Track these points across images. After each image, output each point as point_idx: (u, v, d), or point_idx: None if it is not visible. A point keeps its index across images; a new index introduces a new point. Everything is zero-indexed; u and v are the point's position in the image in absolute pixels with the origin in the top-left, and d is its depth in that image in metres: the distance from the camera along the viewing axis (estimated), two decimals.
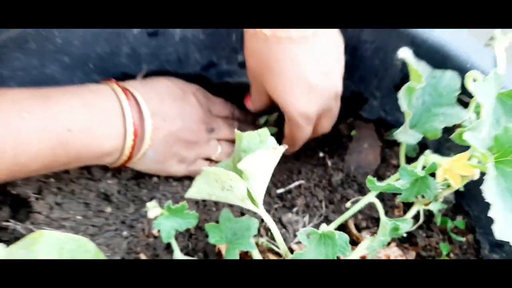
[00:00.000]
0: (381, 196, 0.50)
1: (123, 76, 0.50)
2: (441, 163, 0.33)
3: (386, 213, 0.47)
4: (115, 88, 0.44)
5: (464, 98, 0.43)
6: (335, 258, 0.36)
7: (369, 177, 0.36)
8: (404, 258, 0.46)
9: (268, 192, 0.50)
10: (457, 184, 0.33)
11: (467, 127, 0.32)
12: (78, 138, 0.40)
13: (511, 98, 0.35)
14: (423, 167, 0.37)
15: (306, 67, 0.40)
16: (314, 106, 0.43)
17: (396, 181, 0.36)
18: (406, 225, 0.40)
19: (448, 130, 0.42)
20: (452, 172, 0.33)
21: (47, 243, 0.34)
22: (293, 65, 0.40)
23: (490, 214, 0.30)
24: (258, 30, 0.39)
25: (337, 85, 0.44)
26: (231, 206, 0.47)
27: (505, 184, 0.32)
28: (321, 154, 0.54)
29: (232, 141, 0.53)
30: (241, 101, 0.55)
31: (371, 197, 0.41)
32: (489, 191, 0.30)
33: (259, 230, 0.46)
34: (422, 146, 0.50)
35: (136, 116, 0.43)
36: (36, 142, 0.38)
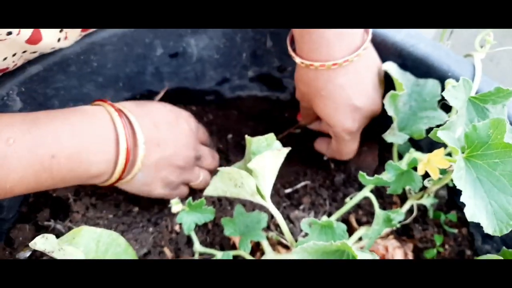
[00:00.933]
0: (380, 194, 0.55)
1: (148, 92, 0.57)
2: (421, 158, 0.39)
3: (385, 209, 0.52)
4: (110, 111, 0.44)
5: (448, 104, 0.48)
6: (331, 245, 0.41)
7: (361, 172, 0.41)
8: (402, 249, 0.51)
9: (277, 192, 0.56)
10: (435, 176, 0.38)
11: (441, 127, 0.37)
12: (64, 164, 0.40)
13: (481, 101, 0.40)
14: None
15: (350, 90, 0.46)
16: (358, 124, 0.48)
17: (384, 176, 0.41)
18: (398, 216, 0.45)
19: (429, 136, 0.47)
20: (431, 165, 0.38)
21: (86, 237, 0.40)
22: (339, 90, 0.45)
23: (462, 199, 0.35)
24: (307, 62, 0.44)
25: (378, 105, 0.49)
26: (244, 205, 0.53)
27: (476, 174, 0.37)
28: (325, 158, 0.60)
29: (211, 171, 0.55)
30: (251, 111, 0.62)
31: (366, 192, 0.46)
32: (459, 180, 0.35)
33: (269, 226, 0.52)
34: (418, 147, 0.55)
35: (130, 141, 0.43)
36: (20, 168, 0.38)
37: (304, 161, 0.61)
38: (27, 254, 0.50)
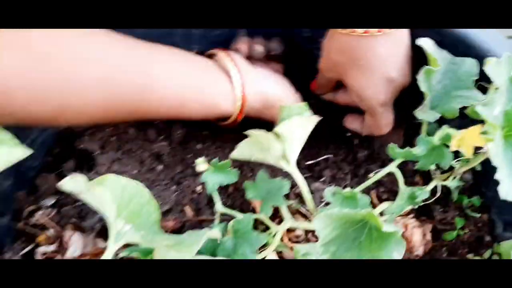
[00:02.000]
0: (402, 173, 0.55)
1: None
2: (455, 134, 0.38)
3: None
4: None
5: (484, 85, 0.47)
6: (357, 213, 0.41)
7: (391, 144, 0.41)
8: (420, 228, 0.51)
9: (299, 164, 0.56)
10: (469, 154, 0.37)
11: (481, 102, 0.36)
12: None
13: None
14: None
15: (387, 62, 0.46)
16: (391, 96, 0.49)
17: (414, 150, 0.41)
18: (422, 194, 0.45)
19: (467, 115, 0.46)
20: (465, 142, 0.37)
21: (113, 184, 0.41)
22: (378, 61, 0.45)
23: (496, 176, 0.34)
24: (349, 29, 0.44)
25: (408, 78, 0.49)
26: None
27: None
28: (348, 134, 0.59)
29: None
30: None
31: (392, 167, 0.46)
32: (496, 156, 0.34)
33: (289, 195, 0.52)
34: None
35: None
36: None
37: (327, 135, 0.60)
38: (51, 202, 0.51)
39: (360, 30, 0.43)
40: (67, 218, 0.49)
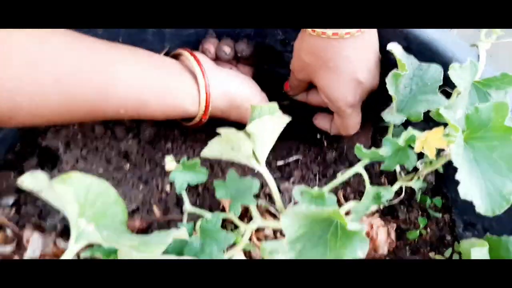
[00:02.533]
0: (369, 174, 0.56)
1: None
2: (419, 136, 0.39)
3: None
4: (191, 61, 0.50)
5: (448, 90, 0.49)
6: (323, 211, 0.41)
7: (358, 145, 0.42)
8: (385, 228, 0.52)
9: (269, 164, 0.56)
10: (432, 155, 0.39)
11: (444, 105, 0.38)
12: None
13: (484, 86, 0.41)
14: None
15: (356, 65, 0.46)
16: (359, 98, 0.50)
17: (381, 150, 0.42)
18: (387, 194, 0.46)
19: (431, 119, 0.48)
20: (428, 144, 0.38)
21: (77, 182, 0.39)
22: (346, 63, 0.46)
23: (457, 176, 0.36)
24: (320, 30, 0.44)
25: (377, 81, 0.50)
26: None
27: (473, 155, 0.38)
28: (318, 136, 0.60)
29: None
30: None
31: (359, 168, 0.47)
32: (457, 157, 0.36)
33: (259, 195, 0.52)
34: None
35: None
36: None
37: (297, 136, 0.61)
38: (10, 201, 0.49)
39: (329, 32, 0.44)
40: (27, 217, 0.47)
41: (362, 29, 0.44)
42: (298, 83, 0.54)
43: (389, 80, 0.45)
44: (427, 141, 0.38)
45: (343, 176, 0.48)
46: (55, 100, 0.40)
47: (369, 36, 0.47)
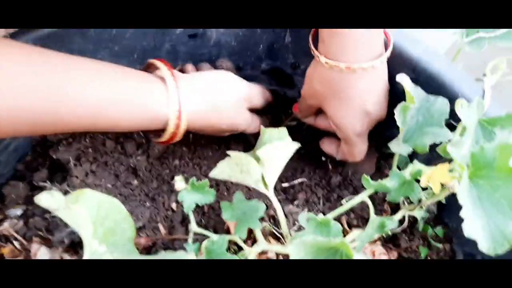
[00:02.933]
0: (372, 201, 0.57)
1: None
2: (425, 171, 0.40)
3: (375, 215, 0.53)
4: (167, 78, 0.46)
5: (453, 123, 0.50)
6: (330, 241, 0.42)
7: (365, 176, 0.42)
8: (387, 256, 0.53)
9: (274, 186, 0.57)
10: (436, 190, 0.40)
11: (451, 142, 0.39)
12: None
13: (490, 124, 0.42)
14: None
15: (366, 96, 0.48)
16: (366, 127, 0.51)
17: (387, 182, 0.43)
18: (391, 223, 0.47)
19: (435, 149, 0.49)
20: (433, 179, 0.39)
21: (88, 200, 0.40)
22: (357, 94, 0.47)
23: (461, 214, 0.36)
24: (333, 63, 0.45)
25: (385, 111, 0.51)
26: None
27: (477, 193, 0.39)
28: (323, 159, 0.61)
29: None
30: None
31: (364, 197, 0.48)
32: (462, 195, 0.36)
33: (263, 217, 0.53)
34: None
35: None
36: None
37: (303, 158, 0.62)
38: (18, 212, 0.50)
39: (342, 65, 0.45)
40: (35, 230, 0.48)
41: (374, 64, 0.45)
42: (308, 107, 0.55)
43: (397, 112, 0.46)
44: (433, 176, 0.39)
45: (348, 203, 0.48)
46: (9, 126, 0.38)
47: (380, 69, 0.48)
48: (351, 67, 0.45)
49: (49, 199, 0.34)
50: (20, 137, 0.52)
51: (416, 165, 0.42)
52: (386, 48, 0.48)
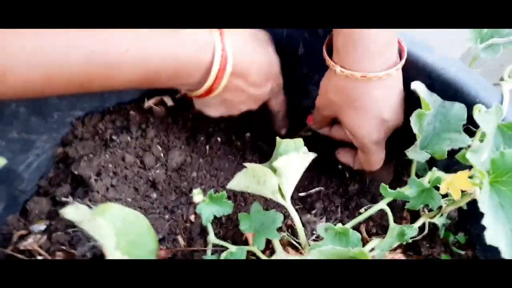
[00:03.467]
0: (391, 208, 0.56)
1: None
2: (444, 178, 0.40)
3: (395, 223, 0.53)
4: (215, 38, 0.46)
5: (472, 128, 0.50)
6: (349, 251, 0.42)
7: (383, 184, 0.42)
8: None
9: (291, 195, 0.57)
10: (457, 197, 0.39)
11: (470, 149, 0.38)
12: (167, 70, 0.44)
13: (509, 129, 0.41)
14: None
15: (382, 104, 0.48)
16: (384, 135, 0.50)
17: (406, 190, 0.42)
18: (411, 232, 0.46)
19: (454, 155, 0.48)
20: (453, 186, 0.39)
21: (114, 213, 0.41)
22: (373, 103, 0.47)
23: (483, 222, 0.36)
24: (349, 72, 0.45)
25: (401, 120, 0.51)
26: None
27: (498, 200, 0.38)
28: (340, 167, 0.61)
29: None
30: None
31: (382, 205, 0.47)
32: (483, 203, 0.36)
33: (281, 227, 0.53)
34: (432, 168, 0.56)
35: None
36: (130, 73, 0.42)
37: (319, 167, 0.61)
38: (42, 227, 0.51)
39: (357, 74, 0.45)
40: (58, 245, 0.49)
41: (390, 72, 0.45)
42: (322, 118, 0.55)
43: (413, 119, 0.46)
44: (453, 183, 0.39)
45: (366, 212, 0.48)
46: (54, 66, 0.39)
47: (396, 77, 0.48)
48: (367, 76, 0.45)
49: (75, 212, 0.35)
50: (43, 155, 0.54)
51: (435, 172, 0.42)
52: (400, 57, 0.48)
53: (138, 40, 0.42)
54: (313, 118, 0.58)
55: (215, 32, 0.47)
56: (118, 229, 0.38)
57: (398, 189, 0.42)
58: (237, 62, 0.48)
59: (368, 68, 0.45)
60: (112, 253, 0.35)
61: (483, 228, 0.46)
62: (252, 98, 0.53)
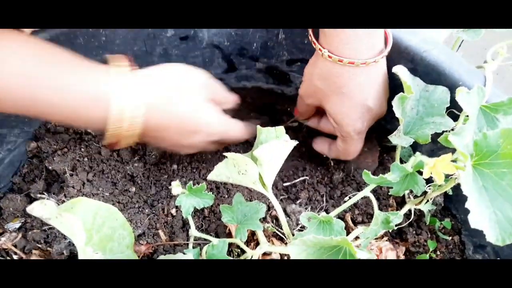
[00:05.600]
0: (376, 196, 0.56)
1: None
2: (427, 162, 0.39)
3: (381, 211, 0.52)
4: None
5: (456, 112, 0.49)
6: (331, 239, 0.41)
7: (365, 171, 0.41)
8: (394, 251, 0.51)
9: (275, 185, 0.56)
10: (440, 181, 0.38)
11: (452, 132, 0.37)
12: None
13: (492, 110, 0.40)
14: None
15: (367, 91, 0.47)
16: (367, 125, 0.49)
17: (389, 176, 0.41)
18: (397, 219, 0.45)
19: (438, 140, 0.47)
20: (436, 169, 0.38)
21: (84, 208, 0.39)
22: (359, 89, 0.46)
23: (467, 205, 0.35)
24: (337, 57, 0.44)
25: (385, 108, 0.50)
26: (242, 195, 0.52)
27: (482, 182, 0.37)
28: (325, 156, 0.60)
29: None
30: (254, 102, 0.61)
31: (366, 192, 0.46)
32: (466, 186, 0.35)
33: (265, 218, 0.52)
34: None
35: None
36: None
37: (304, 156, 0.60)
38: (17, 225, 0.49)
39: (346, 60, 0.44)
40: (33, 243, 0.47)
41: (377, 59, 0.44)
42: (307, 108, 0.54)
43: (395, 102, 0.45)
44: (436, 167, 0.38)
45: (351, 200, 0.47)
46: None
47: (381, 64, 0.47)
48: (354, 62, 0.44)
49: (41, 208, 0.33)
50: (15, 150, 0.52)
51: (418, 156, 0.41)
52: (386, 44, 0.47)
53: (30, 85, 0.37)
54: (298, 109, 0.57)
55: (114, 82, 0.41)
56: (89, 224, 0.37)
57: (380, 175, 0.41)
58: (148, 117, 0.41)
59: (355, 53, 0.44)
60: (83, 249, 0.33)
61: (469, 212, 0.45)
62: (184, 146, 0.47)
